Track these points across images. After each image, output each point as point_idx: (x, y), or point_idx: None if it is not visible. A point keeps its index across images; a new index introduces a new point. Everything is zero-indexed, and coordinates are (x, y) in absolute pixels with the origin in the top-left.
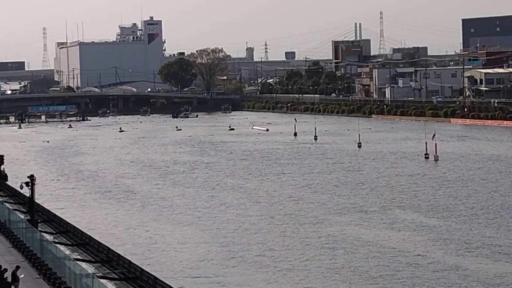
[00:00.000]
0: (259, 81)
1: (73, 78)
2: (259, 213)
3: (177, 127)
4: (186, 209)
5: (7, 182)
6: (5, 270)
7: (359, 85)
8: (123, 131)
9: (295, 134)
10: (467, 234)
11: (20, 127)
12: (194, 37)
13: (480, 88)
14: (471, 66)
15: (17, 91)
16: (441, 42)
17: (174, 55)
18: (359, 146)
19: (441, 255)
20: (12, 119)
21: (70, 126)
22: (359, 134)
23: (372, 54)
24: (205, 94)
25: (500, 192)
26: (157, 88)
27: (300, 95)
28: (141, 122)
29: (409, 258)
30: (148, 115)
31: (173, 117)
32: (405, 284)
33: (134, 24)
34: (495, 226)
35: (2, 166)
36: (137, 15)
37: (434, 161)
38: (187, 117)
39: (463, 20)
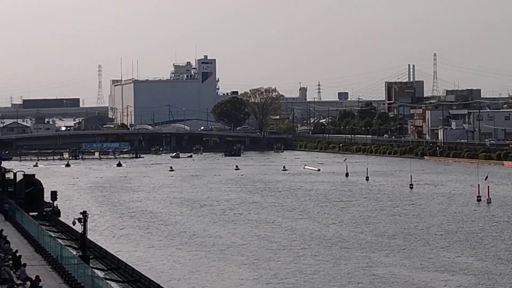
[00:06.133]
0: (311, 121)
1: (127, 115)
2: (309, 253)
3: (236, 166)
4: (237, 248)
5: (59, 218)
6: None
7: (412, 126)
8: (173, 170)
9: (347, 175)
10: None
11: (68, 165)
12: (248, 77)
13: None
14: None
15: (72, 128)
16: (494, 85)
17: (227, 94)
18: (411, 187)
19: None
20: (66, 155)
21: (119, 165)
22: (411, 175)
23: (425, 95)
24: (258, 133)
25: None
26: (210, 127)
27: (353, 135)
28: (193, 160)
29: None
30: (201, 153)
31: (226, 155)
32: None
33: (188, 63)
34: None
35: (55, 202)
36: (191, 54)
37: (486, 203)
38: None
39: None
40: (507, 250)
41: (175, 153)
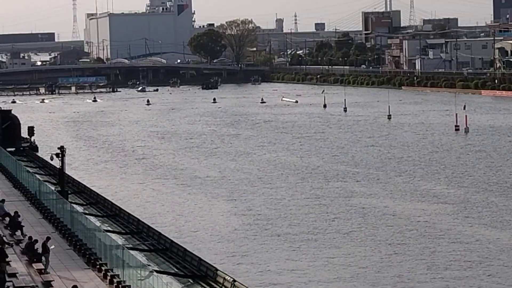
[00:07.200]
0: (288, 52)
1: (103, 49)
2: (286, 184)
3: (214, 99)
4: (214, 181)
5: (37, 153)
6: (36, 241)
7: (389, 57)
8: (150, 103)
9: (325, 106)
10: (494, 206)
11: (43, 101)
12: (224, 8)
13: (510, 59)
14: (502, 38)
15: (47, 63)
16: (471, 13)
17: (203, 26)
18: (389, 118)
19: (465, 226)
20: (42, 90)
21: (95, 100)
22: (389, 106)
23: (402, 25)
24: (235, 65)
25: None
26: (186, 60)
27: (330, 66)
28: (170, 93)
29: (435, 230)
30: (178, 87)
31: (203, 88)
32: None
33: None
34: None
35: (33, 137)
36: None
37: (464, 133)
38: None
39: None
40: (483, 179)
41: (141, 87)
